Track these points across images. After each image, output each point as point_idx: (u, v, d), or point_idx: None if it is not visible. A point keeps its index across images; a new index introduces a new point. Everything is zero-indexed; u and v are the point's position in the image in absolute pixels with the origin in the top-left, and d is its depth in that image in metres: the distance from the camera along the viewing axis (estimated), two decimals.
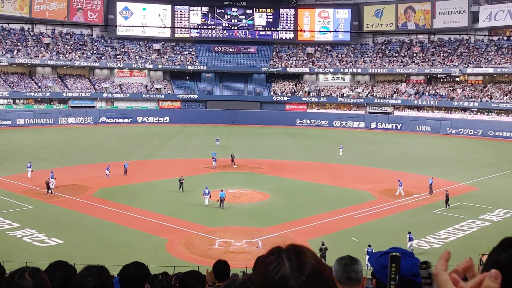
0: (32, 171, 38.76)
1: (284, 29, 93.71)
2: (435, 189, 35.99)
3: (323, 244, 22.95)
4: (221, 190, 32.17)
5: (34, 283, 2.52)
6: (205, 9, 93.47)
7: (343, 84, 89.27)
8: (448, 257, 1.50)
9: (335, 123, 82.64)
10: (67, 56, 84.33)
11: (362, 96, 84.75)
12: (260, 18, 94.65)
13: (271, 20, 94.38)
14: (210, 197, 32.08)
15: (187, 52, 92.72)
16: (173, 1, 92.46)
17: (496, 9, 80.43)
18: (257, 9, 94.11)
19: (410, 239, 24.14)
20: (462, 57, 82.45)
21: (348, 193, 36.32)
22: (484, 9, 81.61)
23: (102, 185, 37.34)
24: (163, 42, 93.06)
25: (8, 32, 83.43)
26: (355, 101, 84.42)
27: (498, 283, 1.33)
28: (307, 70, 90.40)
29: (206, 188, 32.33)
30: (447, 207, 32.04)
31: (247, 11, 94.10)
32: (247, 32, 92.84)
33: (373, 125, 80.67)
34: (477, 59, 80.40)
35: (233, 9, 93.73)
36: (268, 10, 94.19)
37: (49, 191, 34.03)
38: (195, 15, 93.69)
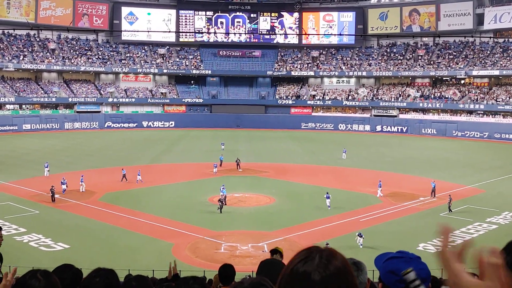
0: (49, 170, 40.84)
1: (288, 33, 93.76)
2: (441, 193, 35.81)
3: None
4: (224, 188, 33.71)
5: (46, 283, 2.57)
6: (210, 13, 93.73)
7: (348, 87, 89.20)
8: (449, 232, 1.53)
9: (340, 127, 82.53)
10: (72, 61, 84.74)
11: (367, 99, 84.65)
12: (265, 22, 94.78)
13: (276, 24, 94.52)
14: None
15: (192, 57, 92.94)
16: (177, 5, 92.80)
17: (501, 11, 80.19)
18: (262, 13, 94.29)
19: (328, 198, 31.36)
20: (468, 59, 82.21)
21: (354, 196, 36.22)
22: (489, 11, 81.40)
23: (108, 190, 37.42)
24: (168, 47, 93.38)
25: (14, 38, 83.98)
26: (360, 104, 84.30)
27: (500, 257, 1.35)
28: (312, 73, 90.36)
29: (223, 187, 33.75)
30: (450, 211, 31.82)
31: (252, 15, 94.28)
32: (252, 36, 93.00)
33: (378, 128, 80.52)
34: (483, 62, 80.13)
35: (237, 13, 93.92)
36: (273, 14, 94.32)
37: (53, 198, 33.80)
38: (200, 20, 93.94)
